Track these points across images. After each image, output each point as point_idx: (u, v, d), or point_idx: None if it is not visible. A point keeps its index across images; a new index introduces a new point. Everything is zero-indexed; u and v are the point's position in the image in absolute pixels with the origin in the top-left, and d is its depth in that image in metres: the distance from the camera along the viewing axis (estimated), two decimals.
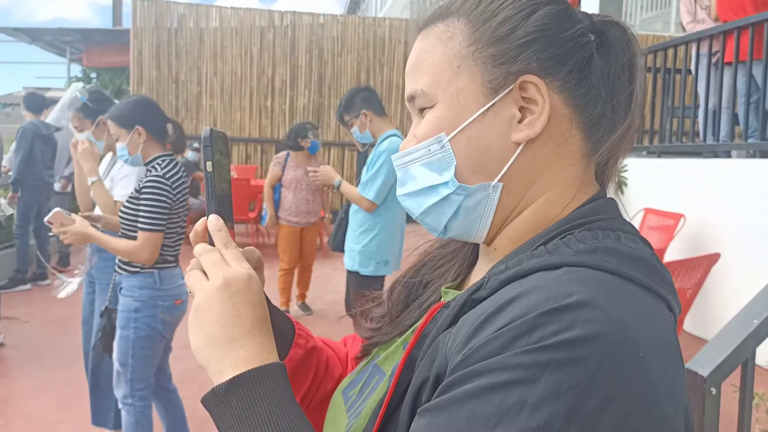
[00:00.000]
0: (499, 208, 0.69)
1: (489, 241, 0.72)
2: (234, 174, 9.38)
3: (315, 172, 3.84)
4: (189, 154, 8.24)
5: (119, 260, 2.78)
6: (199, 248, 0.72)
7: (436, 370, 0.59)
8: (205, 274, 0.70)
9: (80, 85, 3.92)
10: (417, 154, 0.70)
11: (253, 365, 0.64)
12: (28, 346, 4.96)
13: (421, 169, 0.70)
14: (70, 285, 3.27)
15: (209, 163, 0.72)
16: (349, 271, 3.69)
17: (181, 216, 2.73)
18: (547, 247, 0.62)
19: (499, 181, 0.67)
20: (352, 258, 3.63)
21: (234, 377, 0.63)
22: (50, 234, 3.00)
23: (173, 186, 2.65)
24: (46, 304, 6.01)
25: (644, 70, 0.73)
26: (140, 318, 2.69)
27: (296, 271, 5.87)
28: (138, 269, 2.71)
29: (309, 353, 0.88)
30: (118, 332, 2.75)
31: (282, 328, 0.86)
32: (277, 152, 8.03)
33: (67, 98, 3.99)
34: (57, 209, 2.71)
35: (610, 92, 0.68)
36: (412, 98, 0.72)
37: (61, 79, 13.11)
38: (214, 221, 0.73)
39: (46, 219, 2.72)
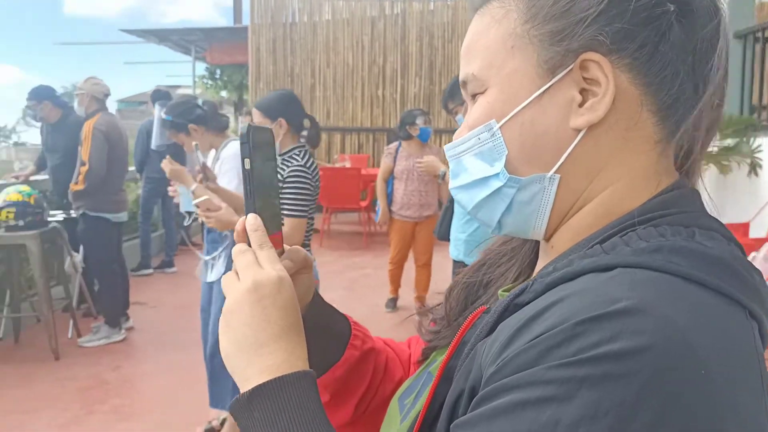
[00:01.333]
0: (557, 202, 0.62)
1: (548, 238, 0.66)
2: (347, 163, 9.57)
3: (420, 162, 3.82)
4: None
5: None
6: (236, 249, 0.70)
7: (471, 382, 0.55)
8: (238, 276, 0.68)
9: (162, 104, 4.13)
10: (468, 144, 0.65)
11: (279, 373, 0.61)
12: (153, 330, 5.33)
13: (472, 160, 0.64)
14: (216, 267, 3.43)
15: (247, 161, 0.71)
16: (454, 261, 3.66)
17: (314, 203, 2.92)
18: (603, 246, 0.56)
19: (555, 172, 0.61)
20: (457, 247, 3.60)
21: (257, 386, 0.61)
22: (193, 220, 3.20)
23: (313, 175, 2.84)
24: (172, 291, 6.43)
25: (727, 41, 0.63)
26: None
27: (415, 272, 5.69)
28: None
29: (366, 355, 0.84)
30: None
31: (336, 328, 0.83)
32: (388, 143, 8.10)
33: (157, 119, 4.26)
34: (206, 197, 2.88)
35: (692, 68, 0.59)
36: (464, 84, 0.66)
37: (187, 76, 13.90)
38: (251, 220, 0.71)
39: (194, 202, 2.90)
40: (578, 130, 0.60)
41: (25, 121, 44.10)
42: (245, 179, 0.72)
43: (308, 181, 2.84)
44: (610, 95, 0.58)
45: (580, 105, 0.59)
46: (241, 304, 0.65)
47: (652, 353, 0.45)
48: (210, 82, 13.93)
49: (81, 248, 5.27)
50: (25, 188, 4.73)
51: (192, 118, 3.33)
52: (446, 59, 10.87)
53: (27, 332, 5.13)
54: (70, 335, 5.08)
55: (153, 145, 5.56)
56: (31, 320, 5.19)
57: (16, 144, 39.48)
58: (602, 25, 0.58)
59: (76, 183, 4.94)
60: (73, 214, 5.19)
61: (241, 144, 0.72)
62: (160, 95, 6.56)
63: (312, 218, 2.98)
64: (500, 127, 0.62)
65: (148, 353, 4.88)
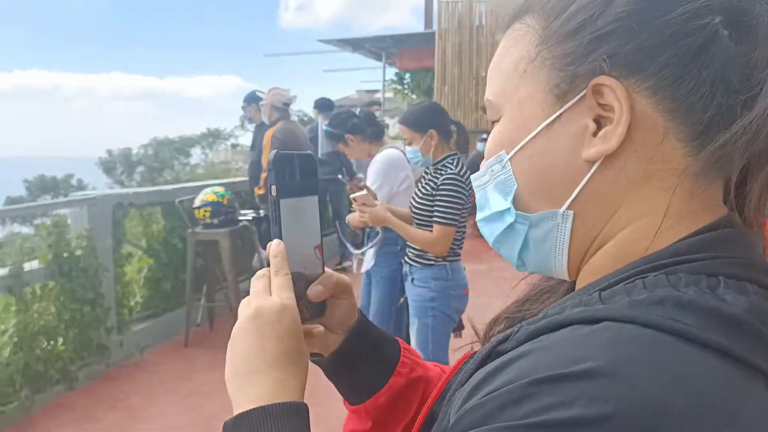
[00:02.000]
0: (574, 241, 0.56)
1: (574, 277, 0.59)
2: None
3: None
4: (479, 146, 8.39)
5: (410, 252, 3.03)
6: (256, 275, 0.71)
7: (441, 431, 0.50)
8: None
9: (325, 114, 4.35)
10: (485, 177, 0.61)
11: (264, 402, 0.60)
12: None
13: (491, 192, 0.60)
14: (366, 260, 3.59)
15: (273, 187, 0.71)
16: None
17: (467, 212, 2.90)
18: (602, 294, 0.49)
19: (569, 208, 0.54)
20: None
21: (240, 414, 0.60)
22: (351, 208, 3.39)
23: (466, 183, 2.85)
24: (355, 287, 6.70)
25: None
26: (436, 307, 2.94)
27: None
28: (432, 261, 2.94)
29: (413, 383, 0.80)
30: (414, 321, 3.01)
31: (383, 353, 0.80)
32: None
33: (321, 129, 4.47)
34: (364, 192, 3.02)
35: (737, 89, 0.49)
36: (485, 109, 0.62)
37: (379, 81, 14.47)
38: (274, 245, 0.71)
39: (352, 196, 3.06)
40: (591, 162, 0.53)
41: (241, 126, 49.07)
42: (270, 206, 0.72)
43: (461, 189, 2.83)
44: (624, 123, 0.51)
45: (594, 134, 0.53)
46: (241, 331, 0.66)
47: (611, 425, 0.38)
48: (399, 86, 14.36)
49: (268, 245, 5.72)
50: (220, 189, 5.22)
51: (348, 127, 3.47)
52: None
53: (220, 320, 5.67)
54: None
55: (319, 153, 5.88)
56: (224, 309, 5.72)
57: (233, 146, 44.01)
58: (619, 44, 0.51)
59: (260, 187, 5.38)
60: (262, 213, 5.66)
61: (268, 171, 0.72)
62: (323, 104, 6.90)
63: (464, 226, 2.97)
64: (510, 159, 0.57)
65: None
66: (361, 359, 0.78)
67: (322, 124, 3.69)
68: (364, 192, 3.01)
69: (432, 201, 2.85)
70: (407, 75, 14.11)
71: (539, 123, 0.55)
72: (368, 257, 3.54)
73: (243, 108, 6.04)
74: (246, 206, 6.22)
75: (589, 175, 0.53)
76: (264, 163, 5.28)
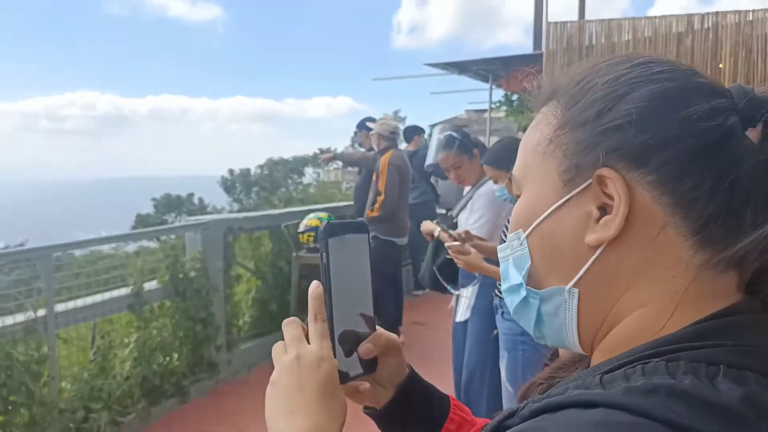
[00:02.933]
0: (582, 318, 0.58)
1: (590, 352, 0.60)
2: None
3: None
4: None
5: (501, 286, 2.99)
6: (285, 321, 0.76)
7: None
8: (286, 348, 0.73)
9: (442, 127, 4.28)
10: (507, 250, 0.65)
11: None
12: (422, 349, 5.62)
13: (510, 265, 0.64)
14: (462, 304, 3.57)
15: (324, 254, 0.76)
16: None
17: None
18: (603, 378, 0.50)
19: (574, 286, 0.57)
20: None
21: None
22: (447, 256, 3.36)
23: None
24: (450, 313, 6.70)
25: None
26: (526, 341, 2.90)
27: None
28: None
29: None
30: (504, 354, 2.99)
31: (432, 410, 0.83)
32: None
33: (435, 140, 4.37)
34: (454, 243, 3.04)
35: (747, 188, 0.51)
36: (512, 182, 0.66)
37: (484, 102, 14.38)
38: (313, 288, 0.75)
39: (446, 245, 3.08)
40: (595, 247, 0.56)
41: (352, 146, 50.41)
42: (322, 271, 0.77)
43: None
44: (622, 214, 0.54)
45: (597, 220, 0.56)
46: (282, 375, 0.70)
47: None
48: (506, 107, 14.22)
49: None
50: (324, 215, 5.41)
51: (477, 142, 3.43)
52: (767, 75, 9.49)
53: None
54: None
55: (426, 163, 5.94)
56: None
57: (343, 165, 45.25)
58: (625, 138, 0.54)
59: (372, 210, 5.52)
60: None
61: (319, 240, 0.77)
62: (408, 130, 7.04)
63: None
64: (527, 236, 0.61)
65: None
66: (410, 414, 0.82)
67: (445, 133, 3.63)
68: (457, 243, 3.02)
69: None
70: (515, 96, 13.93)
71: (550, 205, 0.59)
72: (463, 307, 3.50)
73: (355, 133, 6.28)
74: None
75: (592, 258, 0.56)
76: (381, 187, 5.42)
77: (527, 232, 0.61)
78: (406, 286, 7.25)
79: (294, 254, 5.32)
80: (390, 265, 5.72)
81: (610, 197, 0.55)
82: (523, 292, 0.62)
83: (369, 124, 5.90)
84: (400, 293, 5.84)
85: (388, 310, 5.67)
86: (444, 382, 4.61)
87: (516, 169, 0.64)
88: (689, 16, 9.99)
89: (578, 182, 0.57)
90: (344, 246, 0.79)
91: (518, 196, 0.65)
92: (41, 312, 3.71)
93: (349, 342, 0.78)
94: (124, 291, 4.30)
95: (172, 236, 4.89)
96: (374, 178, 5.57)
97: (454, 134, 3.49)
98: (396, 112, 48.18)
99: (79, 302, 4.01)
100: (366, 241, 0.81)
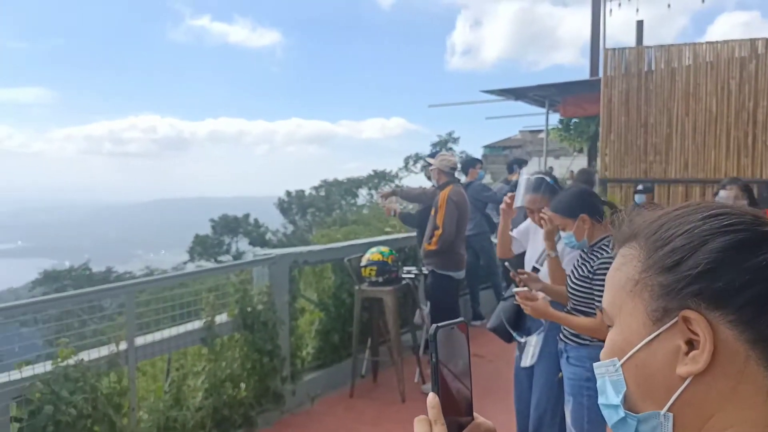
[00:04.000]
0: None
1: None
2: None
3: None
4: (636, 198, 8.02)
5: (566, 330, 3.03)
6: (417, 419, 0.84)
7: None
8: None
9: (530, 171, 4.29)
10: (603, 370, 0.73)
11: None
12: (483, 383, 5.62)
13: (608, 385, 0.72)
14: (529, 350, 3.55)
15: (434, 354, 0.86)
16: None
17: None
18: None
19: (668, 410, 0.65)
20: None
21: None
22: (514, 302, 3.36)
23: None
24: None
25: None
26: (592, 386, 2.90)
27: None
28: (587, 341, 2.94)
29: None
30: (570, 399, 3.01)
31: None
32: (760, 194, 7.20)
33: (523, 181, 4.24)
34: (525, 289, 3.09)
35: None
36: (602, 311, 0.75)
37: (540, 125, 14.38)
38: (430, 398, 0.84)
39: (513, 290, 3.13)
40: (683, 377, 0.64)
41: (405, 167, 50.56)
42: (432, 368, 0.88)
43: None
44: (708, 351, 0.62)
45: (687, 353, 0.64)
46: None
47: None
48: (563, 133, 14.15)
49: (428, 301, 5.92)
50: (385, 249, 5.52)
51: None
52: None
53: (383, 373, 5.92)
54: (416, 379, 5.72)
55: (515, 205, 5.96)
56: (387, 362, 5.96)
57: (397, 187, 45.49)
58: (706, 283, 0.63)
59: (430, 243, 5.61)
60: (424, 270, 5.88)
61: (429, 342, 0.88)
62: (465, 162, 7.07)
63: None
64: (621, 365, 0.70)
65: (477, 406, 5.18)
66: None
67: (528, 173, 3.62)
68: (525, 288, 3.07)
69: (589, 283, 2.84)
70: (572, 122, 13.87)
71: (641, 339, 0.68)
72: (530, 353, 3.51)
73: (423, 165, 6.38)
74: (409, 262, 6.49)
75: (683, 387, 0.64)
76: (439, 221, 5.51)
77: (622, 361, 0.70)
78: (464, 317, 7.28)
79: (356, 287, 5.44)
80: (447, 298, 5.78)
81: (696, 333, 0.63)
82: (622, 413, 0.69)
83: (429, 160, 6.02)
84: None
85: None
86: (508, 418, 4.63)
87: (606, 304, 0.74)
88: (752, 41, 9.82)
89: (666, 320, 0.66)
90: (450, 343, 0.89)
91: (609, 326, 0.74)
92: (123, 346, 3.92)
93: (452, 430, 0.89)
94: (197, 324, 4.49)
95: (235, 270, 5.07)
96: (433, 212, 5.67)
97: (546, 177, 3.53)
98: (450, 134, 48.22)
99: (157, 335, 4.21)
100: (466, 337, 0.92)
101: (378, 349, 5.85)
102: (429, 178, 6.51)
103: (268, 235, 44.46)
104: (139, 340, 4.08)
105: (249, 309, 4.81)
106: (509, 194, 3.72)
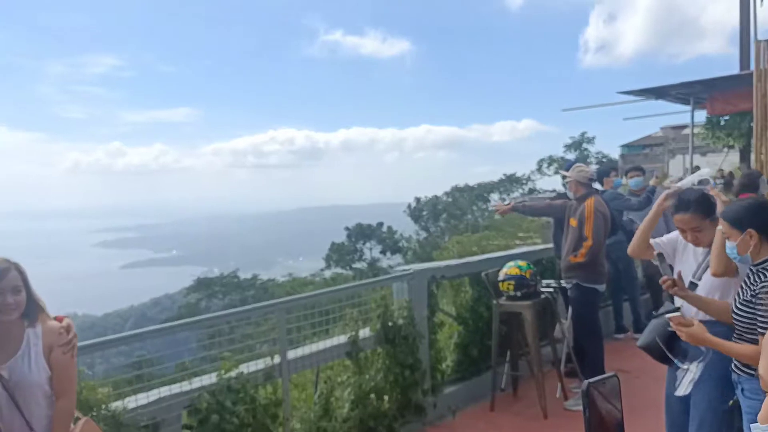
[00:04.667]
0: None
1: None
2: None
3: None
4: None
5: (739, 362, 2.86)
6: None
7: None
8: None
9: (707, 171, 4.04)
10: None
11: None
12: (628, 402, 5.40)
13: None
14: (685, 378, 3.39)
15: (586, 411, 0.90)
16: None
17: None
18: None
19: None
20: None
21: None
22: (669, 328, 3.20)
23: None
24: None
25: None
26: None
27: None
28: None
29: None
30: None
31: None
32: None
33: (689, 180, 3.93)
34: (678, 312, 2.98)
35: None
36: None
37: (685, 121, 13.58)
38: None
39: (667, 316, 3.00)
40: None
41: (538, 170, 49.46)
42: (585, 424, 0.92)
43: None
44: None
45: None
46: None
47: None
48: (713, 131, 13.25)
49: (569, 314, 5.80)
50: (523, 263, 5.48)
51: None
52: None
53: (523, 386, 5.87)
54: (558, 395, 5.62)
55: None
56: (527, 376, 5.90)
57: (530, 191, 44.55)
58: None
59: (576, 256, 5.50)
60: (563, 283, 5.77)
61: (582, 397, 0.92)
62: (601, 170, 6.77)
63: None
64: None
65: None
66: None
67: (697, 176, 3.49)
68: (678, 313, 2.95)
69: (752, 308, 2.68)
70: (722, 120, 12.96)
71: None
72: (686, 380, 3.35)
73: (563, 177, 6.20)
74: (546, 274, 6.39)
75: None
76: (587, 233, 5.40)
77: None
78: (606, 329, 7.05)
79: (494, 302, 5.45)
80: (590, 312, 5.67)
81: None
82: None
83: (562, 173, 5.90)
84: (600, 339, 5.71)
85: (598, 357, 5.58)
86: None
87: (763, 369, 0.74)
88: None
89: None
90: (602, 397, 0.93)
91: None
92: (277, 359, 4.21)
93: None
94: (342, 338, 4.71)
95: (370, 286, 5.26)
96: (573, 224, 5.55)
97: (703, 192, 3.37)
98: (583, 134, 46.67)
99: (306, 350, 4.48)
100: (618, 391, 0.95)
101: (517, 362, 5.82)
102: (565, 187, 6.35)
103: (402, 242, 45.15)
104: (291, 354, 4.36)
105: (390, 323, 4.98)
106: (670, 190, 3.56)
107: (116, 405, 3.37)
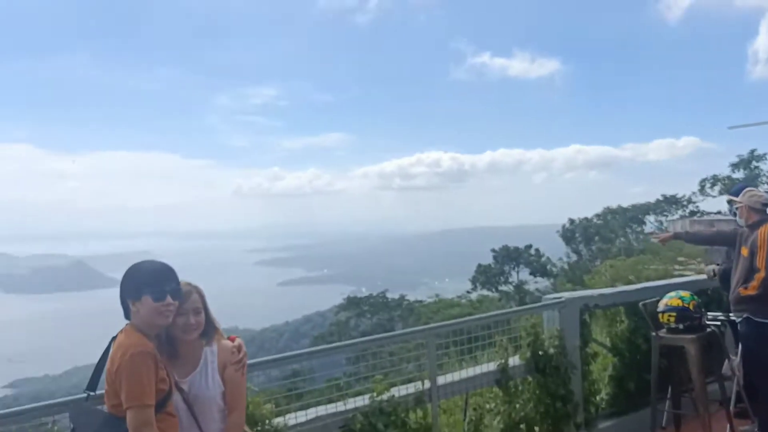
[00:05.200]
0: None
1: None
2: None
3: None
4: None
5: None
6: None
7: None
8: None
9: None
10: None
11: None
12: None
13: None
14: None
15: None
16: None
17: None
18: None
19: None
20: None
21: None
22: None
23: None
24: None
25: None
26: None
27: None
28: None
29: None
30: None
31: None
32: None
33: None
34: None
35: None
36: None
37: None
38: None
39: None
40: None
41: (701, 190, 46.05)
42: None
43: None
44: None
45: None
46: None
47: None
48: None
49: (739, 350, 5.35)
50: (686, 294, 5.15)
51: None
52: None
53: (686, 425, 5.48)
54: None
55: None
56: (691, 415, 5.51)
57: (691, 213, 41.58)
58: None
59: (747, 288, 5.07)
60: (733, 317, 5.33)
61: None
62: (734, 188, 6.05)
63: None
64: None
65: None
66: None
67: None
68: None
69: None
70: None
71: None
72: None
73: (728, 202, 5.78)
74: (712, 306, 5.94)
75: None
76: (760, 263, 4.98)
77: None
78: None
79: (653, 334, 5.16)
80: (763, 347, 5.15)
81: None
82: None
83: (731, 198, 5.47)
84: None
85: None
86: None
87: None
88: None
89: None
90: None
91: None
92: (427, 384, 4.27)
93: None
94: (492, 366, 4.69)
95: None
96: (745, 253, 5.13)
97: None
98: (752, 152, 42.81)
99: (455, 375, 4.51)
100: None
101: (680, 400, 5.45)
102: (733, 214, 5.87)
103: (549, 266, 43.92)
104: (440, 379, 4.40)
105: (540, 352, 4.88)
106: None
107: (278, 421, 3.60)
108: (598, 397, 5.47)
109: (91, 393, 2.80)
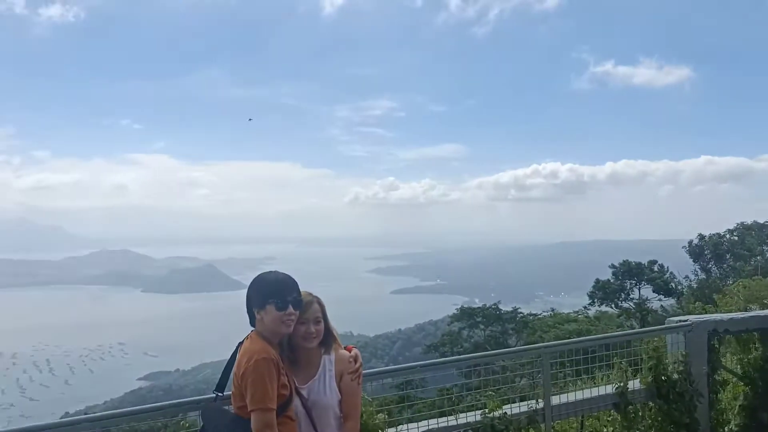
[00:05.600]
0: None
1: None
2: None
3: None
4: None
5: None
6: None
7: None
8: None
9: None
10: None
11: None
12: None
13: None
14: None
15: None
16: None
17: None
18: None
19: None
20: None
21: None
22: None
23: None
24: None
25: None
26: None
27: None
28: None
29: None
30: None
31: None
32: None
33: None
34: None
35: None
36: None
37: None
38: None
39: None
40: None
41: None
42: None
43: None
44: None
45: None
46: None
47: None
48: None
49: None
50: None
51: None
52: None
53: None
54: None
55: None
56: None
57: None
58: None
59: None
60: None
61: None
62: None
63: None
64: None
65: None
66: None
67: None
68: None
69: None
70: None
71: None
72: None
73: None
74: None
75: None
76: None
77: None
78: None
79: None
80: None
81: None
82: None
83: None
84: None
85: None
86: None
87: None
88: None
89: None
90: None
91: None
92: (540, 404, 4.20)
93: None
94: (609, 389, 4.54)
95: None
96: None
97: None
98: None
99: (570, 396, 4.40)
100: None
101: None
102: None
103: (673, 283, 41.36)
104: (554, 399, 4.32)
105: (663, 377, 4.66)
106: None
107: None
108: (726, 428, 5.13)
109: (219, 394, 3.01)
